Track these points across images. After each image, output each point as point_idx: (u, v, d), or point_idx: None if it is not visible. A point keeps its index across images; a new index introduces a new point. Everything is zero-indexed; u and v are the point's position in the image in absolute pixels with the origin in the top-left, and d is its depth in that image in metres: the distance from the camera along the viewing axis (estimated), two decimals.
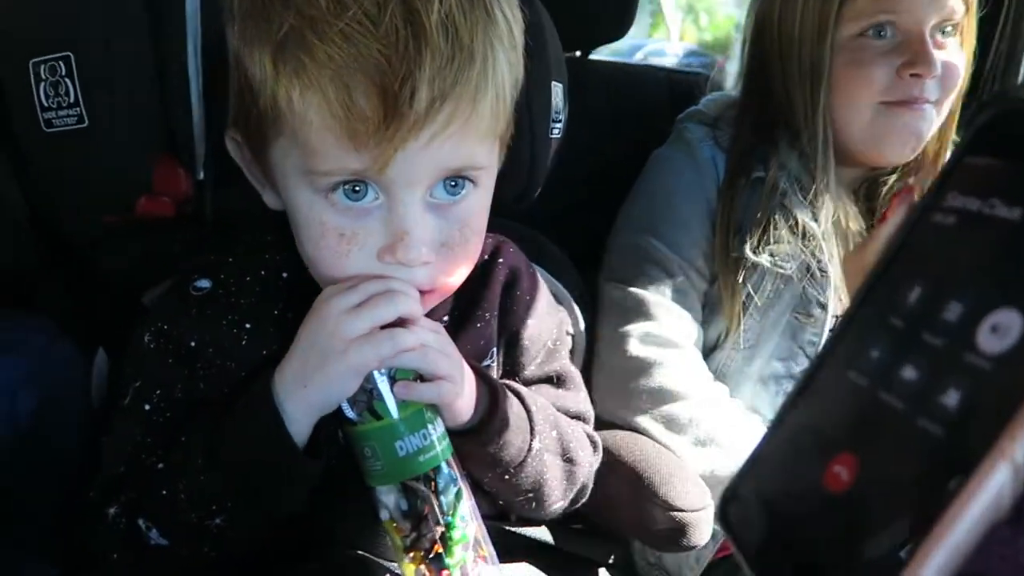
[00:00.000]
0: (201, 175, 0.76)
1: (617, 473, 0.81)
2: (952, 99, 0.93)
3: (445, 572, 0.58)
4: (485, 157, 0.59)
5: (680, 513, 0.76)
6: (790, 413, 0.36)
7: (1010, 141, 0.30)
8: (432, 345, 0.59)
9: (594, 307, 0.97)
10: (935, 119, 0.92)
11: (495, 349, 0.73)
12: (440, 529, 0.58)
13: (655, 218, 0.97)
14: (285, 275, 0.65)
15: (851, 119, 0.92)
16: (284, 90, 0.53)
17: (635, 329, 0.93)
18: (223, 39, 0.66)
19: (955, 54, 0.90)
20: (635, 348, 0.92)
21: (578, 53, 1.32)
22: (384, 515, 0.59)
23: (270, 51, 0.53)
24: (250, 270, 0.66)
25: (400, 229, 0.56)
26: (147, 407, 0.62)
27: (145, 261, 0.75)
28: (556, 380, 0.77)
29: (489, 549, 0.61)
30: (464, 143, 0.55)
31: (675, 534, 0.76)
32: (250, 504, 0.58)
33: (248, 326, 0.64)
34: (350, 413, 0.58)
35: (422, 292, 0.60)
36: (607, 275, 0.99)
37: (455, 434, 0.62)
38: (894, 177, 0.98)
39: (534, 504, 0.70)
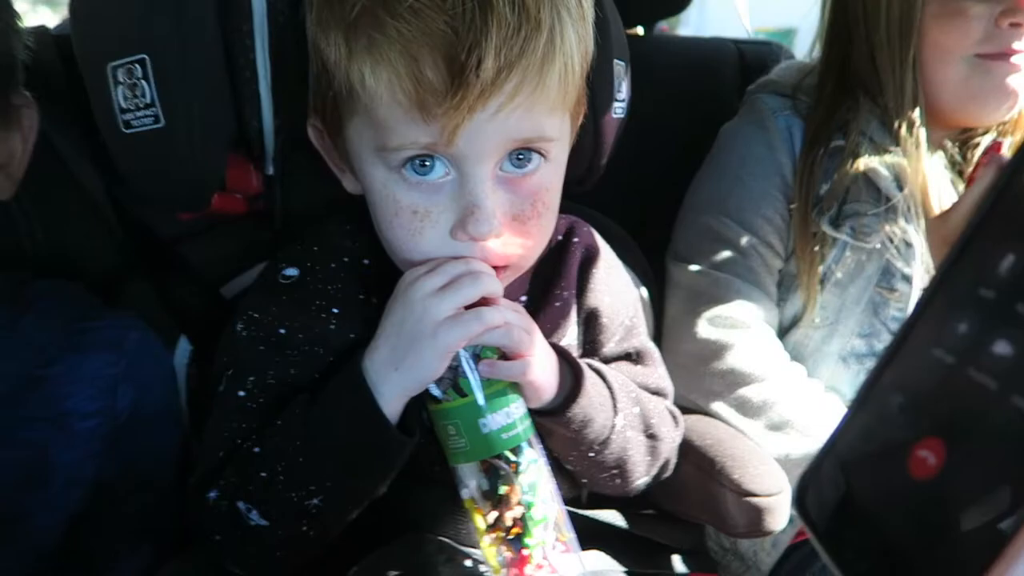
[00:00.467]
0: (271, 170, 0.79)
1: (689, 458, 0.80)
2: None
3: (525, 552, 0.59)
4: (555, 129, 0.59)
5: (755, 498, 0.74)
6: (871, 394, 0.34)
7: None
8: (515, 323, 0.60)
9: (661, 289, 0.96)
10: None
11: (575, 327, 0.74)
12: (521, 509, 0.59)
13: (725, 195, 0.94)
14: (367, 261, 0.67)
15: (944, 75, 0.87)
16: (357, 67, 0.55)
17: (705, 311, 0.91)
18: (288, 35, 0.68)
19: None
20: (705, 331, 0.90)
21: (640, 30, 1.29)
22: (465, 494, 0.61)
23: (343, 31, 0.56)
24: (334, 257, 0.68)
25: (471, 203, 0.57)
26: (241, 394, 0.64)
27: (222, 255, 0.78)
28: (635, 356, 0.77)
29: (571, 534, 0.61)
30: (532, 114, 0.56)
31: (750, 519, 0.74)
32: (346, 483, 0.60)
33: (336, 311, 0.66)
34: (436, 391, 0.60)
35: (497, 268, 0.61)
36: (675, 255, 0.97)
37: (538, 413, 0.63)
38: (987, 139, 0.92)
39: (618, 480, 0.71)
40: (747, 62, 1.21)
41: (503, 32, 0.52)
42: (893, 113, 0.87)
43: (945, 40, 0.85)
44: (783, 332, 0.93)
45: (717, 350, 0.89)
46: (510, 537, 0.59)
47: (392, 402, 0.59)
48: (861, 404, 0.34)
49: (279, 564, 0.64)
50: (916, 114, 0.87)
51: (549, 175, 0.61)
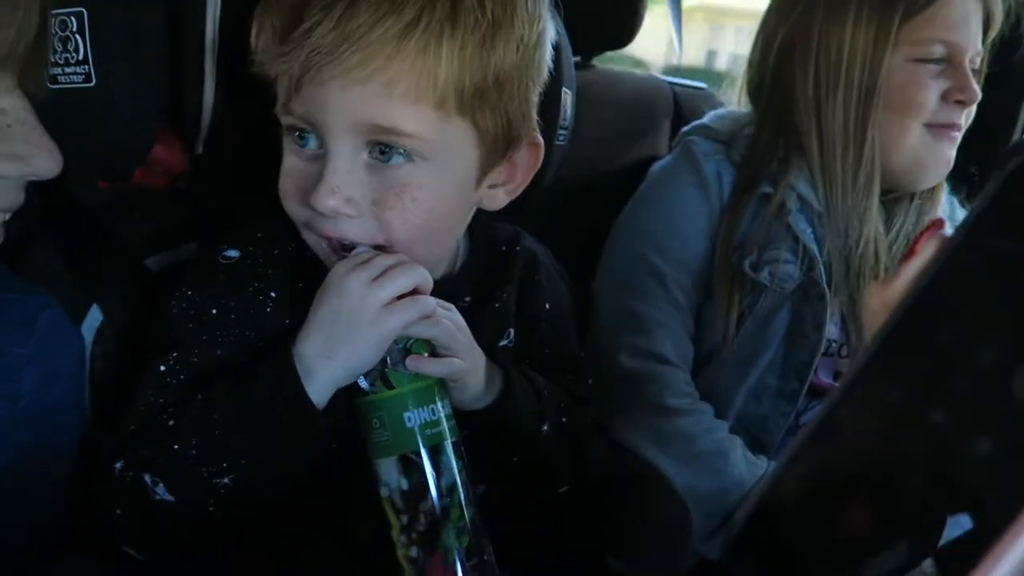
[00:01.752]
0: (200, 149, 0.75)
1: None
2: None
3: (438, 554, 0.58)
4: (413, 125, 0.59)
5: (661, 529, 0.76)
6: (803, 451, 0.35)
7: None
8: (445, 316, 0.62)
9: (586, 315, 0.97)
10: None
11: (512, 330, 0.75)
12: (438, 511, 0.59)
13: (653, 231, 0.97)
14: (309, 253, 0.67)
15: (898, 142, 0.92)
16: (257, 33, 0.61)
17: (628, 342, 0.93)
18: (240, 12, 0.66)
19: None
20: (627, 361, 0.92)
21: (577, 58, 1.31)
22: (384, 493, 0.60)
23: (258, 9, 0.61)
24: (276, 244, 0.68)
25: (322, 174, 0.60)
26: (162, 368, 0.63)
27: (143, 230, 0.73)
28: (568, 364, 0.79)
29: (488, 552, 0.61)
30: (384, 99, 0.58)
31: (654, 550, 0.76)
32: (262, 464, 0.59)
33: (273, 295, 0.66)
34: (363, 384, 0.60)
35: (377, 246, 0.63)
36: (602, 285, 0.99)
37: (467, 414, 0.64)
38: (911, 203, 0.99)
39: (540, 487, 0.72)
40: (680, 104, 1.26)
41: (354, 9, 0.56)
42: (836, 174, 0.92)
43: (904, 110, 0.91)
44: (698, 366, 0.96)
45: (637, 381, 0.91)
46: (423, 538, 0.59)
47: (321, 391, 0.60)
48: (793, 460, 0.35)
49: (176, 544, 0.62)
50: (866, 176, 0.92)
51: (424, 175, 0.62)
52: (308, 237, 0.66)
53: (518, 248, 0.77)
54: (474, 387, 0.65)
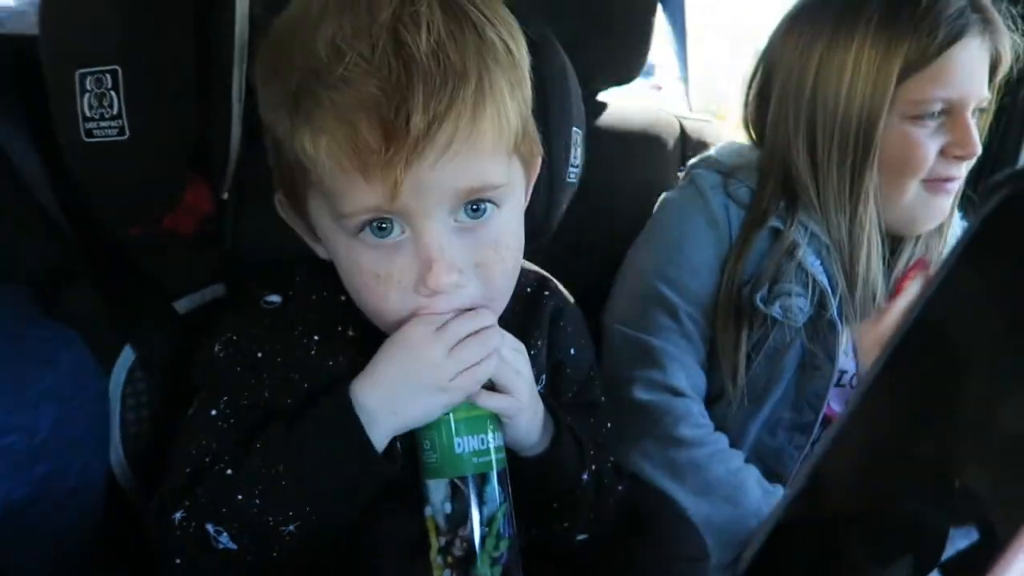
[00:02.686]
0: (226, 193, 0.77)
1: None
2: None
3: None
4: (500, 175, 0.61)
5: (678, 563, 0.76)
6: (807, 483, 0.37)
7: (1020, 223, 0.32)
8: (508, 360, 0.64)
9: (598, 349, 0.98)
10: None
11: (544, 376, 0.76)
12: (477, 537, 0.61)
13: (664, 263, 0.98)
14: (343, 298, 0.67)
15: (895, 198, 0.92)
16: (300, 140, 0.57)
17: (641, 375, 0.93)
18: None
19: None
20: (640, 394, 0.92)
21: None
22: (428, 512, 0.63)
23: (286, 108, 0.57)
24: (314, 290, 0.70)
25: (427, 257, 0.59)
26: (213, 412, 0.65)
27: (172, 271, 0.76)
28: (590, 408, 0.80)
29: None
30: (472, 162, 0.57)
31: None
32: (326, 511, 0.61)
33: (316, 338, 0.67)
34: None
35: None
36: (613, 318, 1.00)
37: (518, 458, 0.66)
38: (912, 243, 0.99)
39: (567, 534, 0.74)
40: (687, 136, 1.28)
41: (429, 87, 0.54)
42: (837, 222, 0.92)
43: (901, 167, 0.90)
44: (712, 399, 0.97)
45: (650, 414, 0.91)
46: (458, 562, 0.61)
47: (382, 441, 0.62)
48: (796, 491, 0.37)
49: None
50: (866, 226, 0.92)
51: (507, 219, 0.63)
52: (388, 327, 0.64)
53: (547, 293, 0.79)
54: (528, 430, 0.67)
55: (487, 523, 0.61)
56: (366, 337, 0.67)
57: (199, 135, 0.70)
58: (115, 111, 0.63)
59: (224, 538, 0.60)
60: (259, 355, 0.66)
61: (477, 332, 0.62)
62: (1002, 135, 1.18)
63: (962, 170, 0.92)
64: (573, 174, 0.88)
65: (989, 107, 0.94)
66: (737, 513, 0.87)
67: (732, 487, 0.88)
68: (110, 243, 0.77)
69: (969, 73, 0.88)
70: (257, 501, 0.60)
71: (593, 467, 0.72)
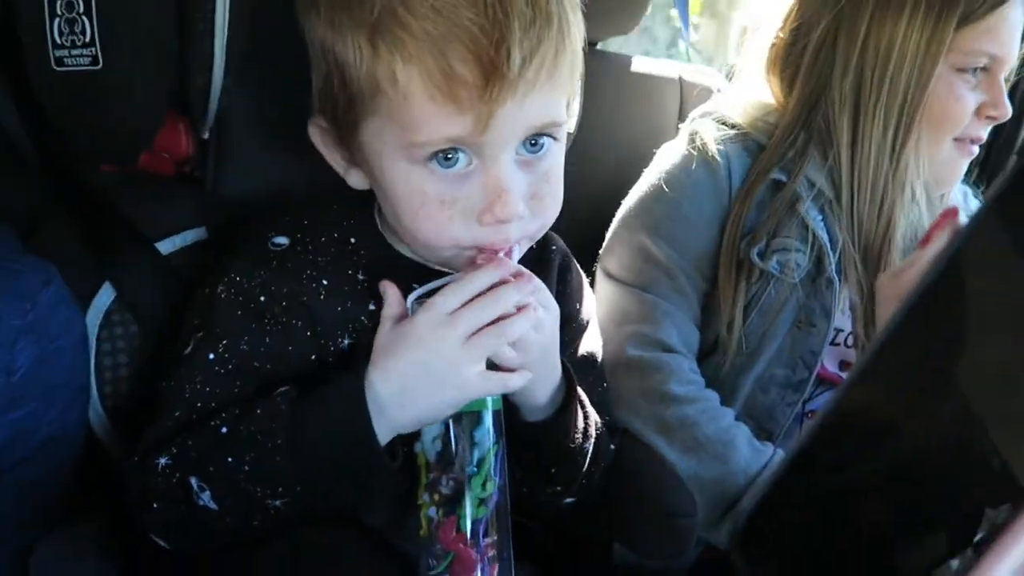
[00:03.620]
0: (207, 134, 0.74)
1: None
2: None
3: (452, 519, 0.60)
4: (564, 113, 0.63)
5: (668, 519, 0.76)
6: (814, 442, 0.35)
7: None
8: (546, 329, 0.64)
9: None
10: None
11: None
12: (464, 476, 0.61)
13: (659, 216, 0.96)
14: (353, 240, 0.68)
15: (932, 152, 0.91)
16: (385, 67, 0.57)
17: (632, 329, 0.92)
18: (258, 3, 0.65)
19: None
20: (631, 349, 0.91)
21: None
22: (418, 447, 0.62)
23: (366, 33, 0.57)
24: (325, 232, 0.69)
25: (497, 187, 0.60)
26: (211, 356, 0.63)
27: (150, 211, 0.73)
28: (591, 365, 0.80)
29: (507, 540, 0.62)
30: (550, 100, 0.60)
31: (661, 540, 0.77)
32: (317, 495, 0.59)
33: (325, 283, 0.66)
34: None
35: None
36: (606, 271, 0.98)
37: (523, 420, 0.66)
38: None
39: (558, 496, 0.73)
40: (685, 87, 1.25)
41: (523, 24, 0.55)
42: (865, 174, 0.91)
43: (942, 121, 0.90)
44: (704, 354, 0.96)
45: (641, 369, 0.90)
46: (444, 500, 0.61)
47: (386, 434, 0.59)
48: (802, 450, 0.35)
49: (207, 546, 0.61)
50: (898, 181, 0.90)
51: (559, 152, 0.65)
52: (439, 258, 0.66)
53: (554, 247, 0.79)
54: (540, 397, 0.66)
55: (477, 464, 0.61)
56: (376, 284, 0.66)
57: (179, 67, 0.67)
58: (87, 38, 0.60)
59: (206, 496, 0.58)
60: (262, 299, 0.64)
61: (497, 324, 0.60)
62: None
63: (986, 132, 0.93)
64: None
65: (1010, 77, 0.93)
66: (726, 471, 0.86)
67: (722, 444, 0.88)
68: (85, 183, 0.73)
69: (1013, 33, 0.89)
70: (247, 468, 0.58)
71: (594, 439, 0.72)
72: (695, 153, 0.96)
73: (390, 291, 0.63)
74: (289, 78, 0.76)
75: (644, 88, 1.24)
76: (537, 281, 0.64)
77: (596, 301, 0.97)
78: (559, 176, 0.65)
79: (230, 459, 0.58)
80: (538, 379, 0.64)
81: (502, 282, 0.61)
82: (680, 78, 1.26)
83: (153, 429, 0.62)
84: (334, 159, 0.67)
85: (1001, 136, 1.06)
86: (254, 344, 0.63)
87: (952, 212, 0.78)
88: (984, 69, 0.89)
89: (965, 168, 0.96)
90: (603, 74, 1.17)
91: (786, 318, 0.92)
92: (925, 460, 0.32)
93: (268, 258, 0.66)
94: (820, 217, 0.92)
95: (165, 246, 0.75)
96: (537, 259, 0.76)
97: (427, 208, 0.61)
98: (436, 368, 0.59)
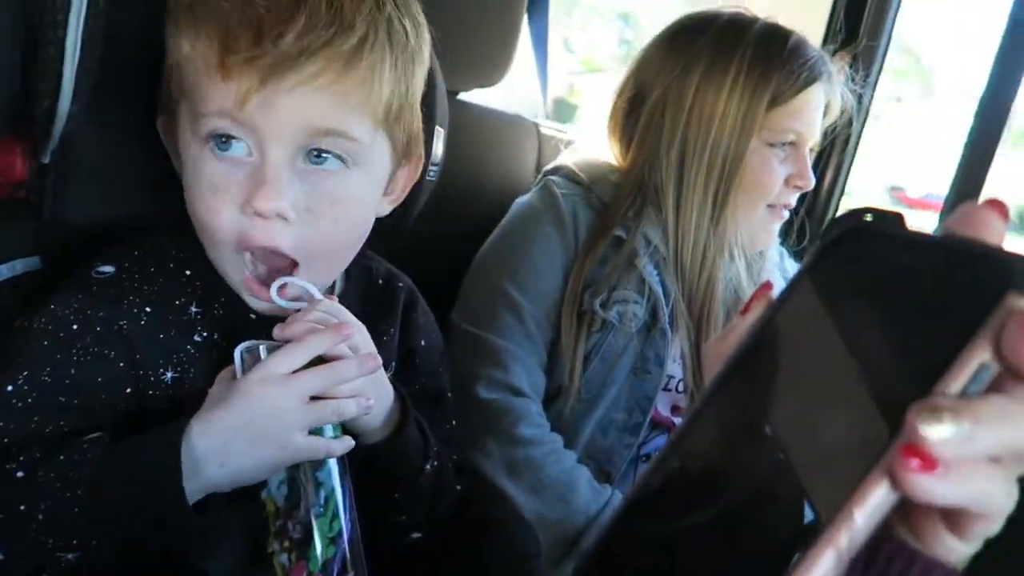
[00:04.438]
0: (47, 158, 0.70)
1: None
2: None
3: (303, 562, 0.59)
4: (357, 131, 0.63)
5: (517, 561, 0.78)
6: (648, 481, 0.39)
7: (855, 254, 0.36)
8: (363, 383, 0.63)
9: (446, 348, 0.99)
10: None
11: (394, 363, 0.77)
12: (311, 519, 0.59)
13: (512, 264, 1.01)
14: (188, 272, 0.67)
15: (747, 217, 1.02)
16: (179, 39, 0.61)
17: (484, 372, 0.95)
18: (102, 23, 0.63)
19: None
20: (483, 392, 0.94)
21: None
22: (264, 494, 0.61)
23: (178, 15, 0.62)
24: (155, 262, 0.66)
25: (263, 177, 0.61)
26: (10, 388, 0.58)
27: None
28: (435, 401, 0.81)
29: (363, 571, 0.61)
30: (332, 108, 0.61)
31: None
32: (115, 547, 0.55)
33: (148, 310, 0.64)
34: None
35: (293, 261, 0.64)
36: (461, 314, 1.01)
37: (361, 444, 0.65)
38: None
39: (402, 529, 0.73)
40: (543, 143, 1.31)
41: (312, 21, 0.58)
42: (689, 232, 1.00)
43: (757, 190, 1.01)
44: (549, 399, 1.00)
45: (492, 412, 0.93)
46: (295, 544, 0.60)
47: (198, 492, 0.57)
48: (638, 489, 0.39)
49: None
50: (717, 240, 1.00)
51: (353, 185, 0.65)
52: (226, 264, 0.65)
53: (400, 284, 0.81)
54: (375, 420, 0.66)
55: (323, 503, 0.60)
56: (210, 315, 0.65)
57: (22, 88, 0.62)
58: None
59: None
60: (75, 327, 0.61)
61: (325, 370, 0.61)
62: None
63: (795, 199, 1.05)
64: (433, 172, 0.88)
65: (814, 147, 1.07)
66: (568, 511, 0.90)
67: (565, 486, 0.92)
68: None
69: (815, 114, 1.01)
70: (40, 517, 0.54)
71: (435, 461, 0.73)
72: (545, 207, 1.03)
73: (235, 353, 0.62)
74: (139, 104, 0.74)
75: (503, 140, 1.29)
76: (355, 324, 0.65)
77: (449, 344, 0.99)
78: (349, 209, 0.65)
79: (22, 507, 0.54)
80: (375, 408, 0.65)
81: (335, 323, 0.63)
82: (537, 132, 1.33)
83: None
84: (175, 158, 0.68)
85: (805, 203, 1.21)
86: (58, 376, 0.60)
87: (767, 286, 0.88)
88: (792, 144, 1.01)
89: (777, 231, 1.08)
90: (465, 123, 1.21)
91: (624, 364, 0.98)
92: (742, 507, 0.36)
93: (88, 285, 0.64)
94: (656, 272, 1.00)
95: None
96: (381, 295, 0.79)
97: (202, 191, 0.62)
98: (260, 427, 0.57)
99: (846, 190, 1.39)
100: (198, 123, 0.61)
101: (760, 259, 1.09)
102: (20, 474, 0.55)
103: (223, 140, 0.61)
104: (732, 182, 0.99)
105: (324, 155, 0.63)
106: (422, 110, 0.75)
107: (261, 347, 0.61)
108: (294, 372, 0.59)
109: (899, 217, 0.35)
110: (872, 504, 0.28)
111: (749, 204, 1.02)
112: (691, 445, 0.38)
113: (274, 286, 0.63)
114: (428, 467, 0.71)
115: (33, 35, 0.60)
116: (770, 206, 1.03)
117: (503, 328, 0.98)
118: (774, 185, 1.01)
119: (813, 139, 1.03)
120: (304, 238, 0.63)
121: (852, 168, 1.38)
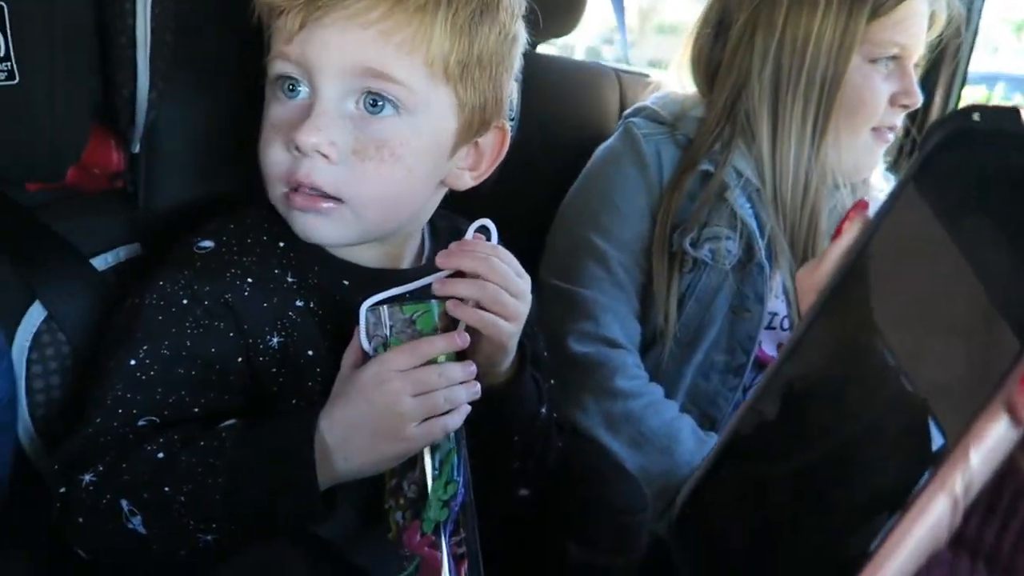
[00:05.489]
0: (137, 148, 0.73)
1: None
2: None
3: (417, 522, 0.60)
4: (404, 74, 0.63)
5: (619, 516, 0.77)
6: (737, 433, 0.36)
7: (960, 161, 0.31)
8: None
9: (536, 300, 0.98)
10: None
11: None
12: (429, 478, 0.61)
13: (596, 213, 0.98)
14: (282, 244, 0.69)
15: (848, 142, 0.95)
16: None
17: (575, 327, 0.93)
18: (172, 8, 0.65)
19: None
20: (575, 345, 0.92)
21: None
22: None
23: None
24: (251, 234, 0.69)
25: (309, 112, 0.62)
26: (132, 362, 0.62)
27: (84, 228, 0.72)
28: (534, 362, 0.78)
29: (475, 542, 0.62)
30: (379, 47, 0.61)
31: (611, 537, 0.77)
32: (251, 532, 0.58)
33: (250, 280, 0.66)
34: (367, 347, 0.61)
35: (327, 196, 0.63)
36: (548, 270, 0.99)
37: (485, 392, 0.64)
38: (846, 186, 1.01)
39: (516, 476, 0.74)
40: (625, 89, 1.27)
41: None
42: (787, 163, 0.93)
43: (859, 112, 0.93)
44: (646, 346, 0.97)
45: (586, 365, 0.91)
46: (409, 504, 0.61)
47: (325, 482, 0.59)
48: (728, 439, 0.36)
49: (129, 565, 0.60)
50: (819, 168, 0.94)
51: (405, 131, 0.64)
52: (280, 201, 0.66)
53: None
54: (503, 363, 0.67)
55: (438, 465, 0.61)
56: (305, 284, 0.67)
57: (104, 81, 0.65)
58: (2, 52, 0.58)
59: (137, 520, 0.57)
60: (185, 301, 0.64)
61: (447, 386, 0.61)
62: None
63: (900, 120, 0.97)
64: (511, 127, 0.86)
65: (919, 63, 0.98)
66: (672, 463, 0.88)
67: (667, 438, 0.89)
68: (13, 202, 0.71)
69: (920, 24, 0.93)
70: (182, 499, 0.57)
71: (549, 404, 0.73)
72: (626, 150, 0.99)
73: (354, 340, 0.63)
74: (219, 87, 0.76)
75: (583, 90, 1.25)
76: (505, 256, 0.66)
77: (539, 301, 0.98)
78: (398, 155, 0.64)
79: (166, 488, 0.57)
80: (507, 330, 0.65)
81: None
82: (619, 78, 1.28)
83: (74, 438, 0.60)
84: None
85: (915, 124, 1.11)
86: (175, 348, 0.62)
87: (862, 204, 0.82)
88: (895, 58, 0.93)
89: (882, 156, 1.00)
90: (543, 77, 1.18)
91: (721, 305, 0.94)
92: (843, 448, 0.33)
93: (192, 261, 0.66)
94: (748, 205, 0.94)
95: (99, 263, 0.73)
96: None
97: (265, 132, 0.65)
98: (377, 423, 0.59)
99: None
100: (270, 69, 0.65)
101: (865, 187, 1.02)
102: (161, 455, 0.58)
103: (290, 87, 0.64)
104: (832, 104, 0.92)
105: (380, 103, 0.63)
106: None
107: (384, 309, 0.62)
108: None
109: (1014, 112, 0.30)
110: (991, 441, 0.25)
111: (852, 127, 0.94)
112: (785, 384, 0.36)
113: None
114: (543, 410, 0.72)
115: (105, 26, 0.62)
116: (874, 129, 0.95)
117: (590, 279, 0.95)
118: (878, 105, 0.94)
119: (918, 53, 0.94)
120: (348, 180, 0.64)
121: (965, 84, 1.25)
